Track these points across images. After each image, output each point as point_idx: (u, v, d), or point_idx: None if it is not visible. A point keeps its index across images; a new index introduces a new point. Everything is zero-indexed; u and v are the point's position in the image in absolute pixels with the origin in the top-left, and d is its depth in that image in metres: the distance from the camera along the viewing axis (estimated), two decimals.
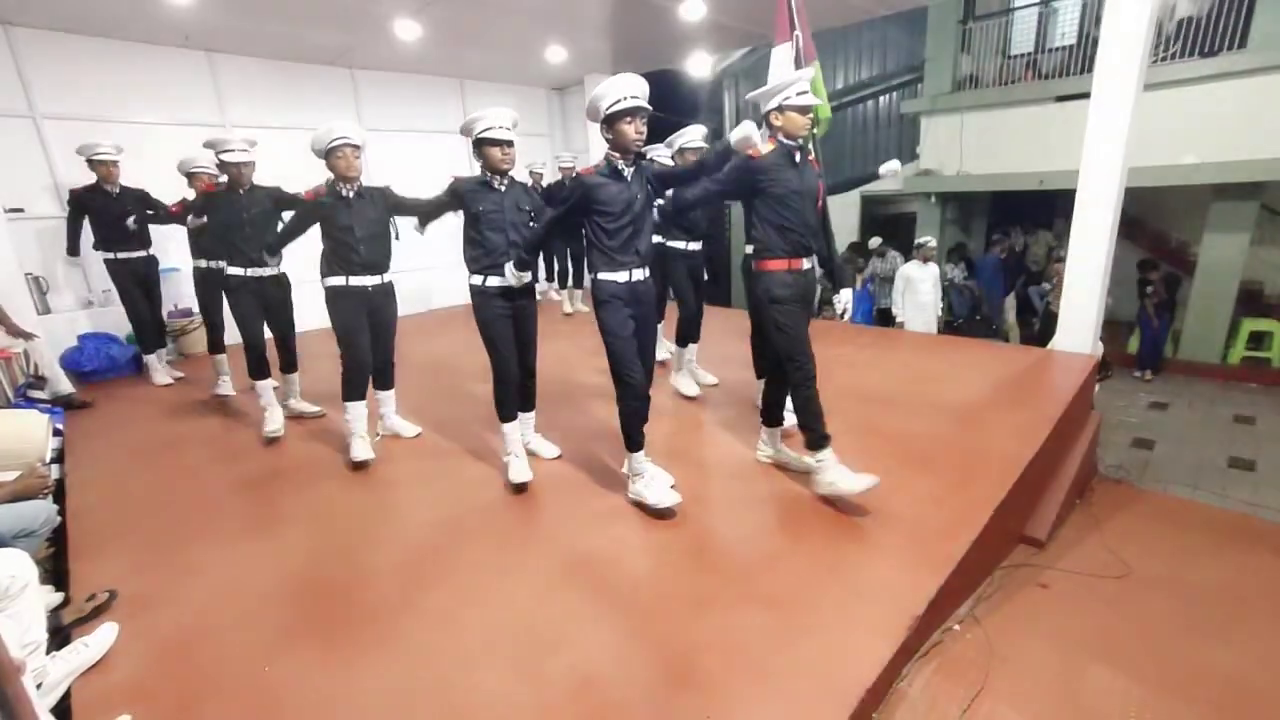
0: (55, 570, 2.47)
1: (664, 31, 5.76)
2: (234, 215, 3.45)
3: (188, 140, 5.46)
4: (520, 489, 2.81)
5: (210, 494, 2.98)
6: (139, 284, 4.53)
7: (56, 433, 3.53)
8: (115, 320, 5.16)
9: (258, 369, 3.60)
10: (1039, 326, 7.64)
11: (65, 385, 4.28)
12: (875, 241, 7.99)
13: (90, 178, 4.35)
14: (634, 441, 2.59)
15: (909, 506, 2.51)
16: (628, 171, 2.46)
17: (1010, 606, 2.38)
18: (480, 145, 2.67)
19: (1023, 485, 2.68)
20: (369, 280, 3.13)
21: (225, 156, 3.43)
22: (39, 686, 1.67)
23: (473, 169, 2.91)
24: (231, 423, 3.89)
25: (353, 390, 3.19)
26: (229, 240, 3.46)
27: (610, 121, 2.36)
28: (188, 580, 2.30)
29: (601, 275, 2.50)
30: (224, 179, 3.55)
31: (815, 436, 2.56)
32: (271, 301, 3.64)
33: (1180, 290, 7.49)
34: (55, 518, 2.28)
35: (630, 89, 2.32)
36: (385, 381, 3.44)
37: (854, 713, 1.62)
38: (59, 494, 2.96)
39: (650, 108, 2.37)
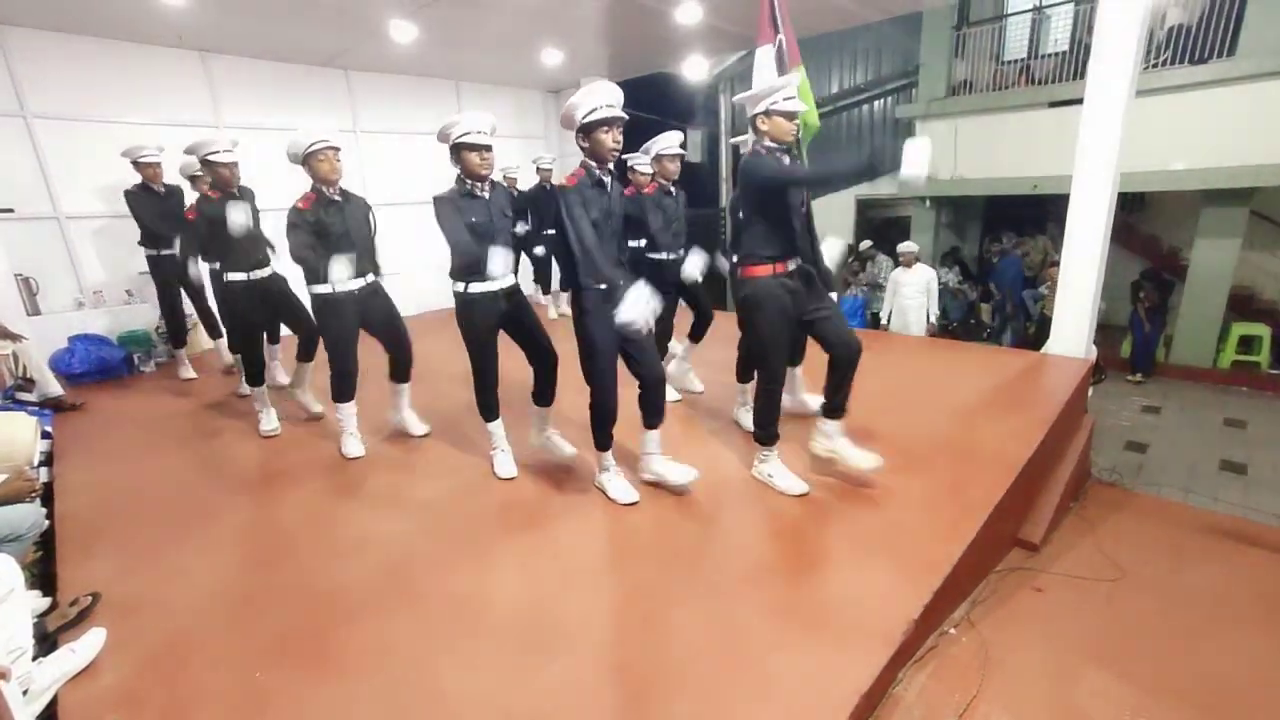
0: (43, 575, 2.44)
1: (660, 35, 5.77)
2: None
3: (181, 141, 5.45)
4: (507, 480, 2.90)
5: (200, 497, 2.95)
6: (179, 280, 4.54)
7: (45, 435, 3.50)
8: (106, 322, 5.13)
9: (254, 374, 3.61)
10: (1033, 331, 7.69)
11: (54, 387, 4.24)
12: (865, 244, 8.02)
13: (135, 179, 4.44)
14: (601, 442, 2.68)
15: (904, 510, 2.51)
16: (608, 181, 2.44)
17: (1005, 610, 2.39)
18: (458, 151, 2.60)
19: (1017, 489, 2.69)
20: (356, 285, 3.11)
21: (214, 158, 3.39)
22: (25, 693, 1.65)
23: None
24: (222, 425, 3.86)
25: (342, 393, 3.22)
26: (229, 245, 3.42)
27: (587, 131, 2.33)
28: (178, 584, 2.28)
29: (585, 285, 2.45)
30: (208, 183, 3.55)
31: (764, 435, 2.73)
32: (273, 300, 3.64)
33: (1172, 295, 7.55)
34: (43, 522, 2.26)
35: (607, 97, 2.30)
36: (403, 374, 3.41)
37: (849, 718, 1.61)
38: (47, 498, 2.93)
39: (626, 116, 2.35)
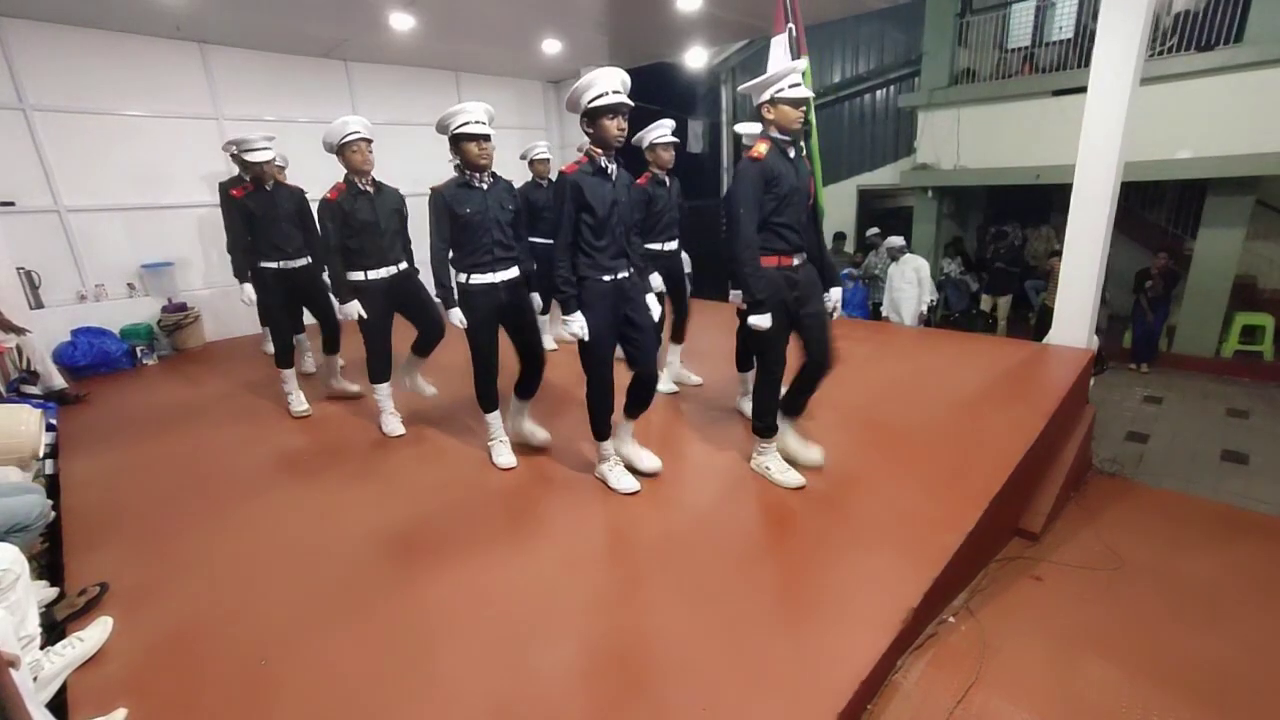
0: (50, 565, 2.46)
1: (660, 23, 5.73)
2: (270, 211, 3.56)
3: (181, 133, 5.44)
4: (506, 470, 2.94)
5: (205, 486, 2.97)
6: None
7: (50, 428, 3.52)
8: (108, 315, 5.14)
9: (283, 357, 3.75)
10: (1034, 321, 7.67)
11: (58, 380, 4.26)
12: (872, 231, 7.99)
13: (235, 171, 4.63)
14: (600, 432, 2.69)
15: (904, 498, 2.52)
16: (611, 168, 2.42)
17: (1004, 599, 2.40)
18: (457, 141, 2.60)
19: (1017, 478, 2.69)
20: (387, 272, 3.22)
21: (250, 156, 3.52)
22: (34, 680, 1.67)
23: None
24: (225, 416, 3.88)
25: (378, 375, 3.37)
26: (263, 236, 3.56)
27: (592, 116, 2.31)
28: (184, 573, 2.30)
29: (588, 276, 2.45)
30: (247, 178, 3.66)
31: (762, 426, 2.71)
32: (303, 291, 3.76)
33: (1177, 285, 7.51)
34: (49, 512, 2.28)
35: (614, 83, 2.27)
36: (426, 350, 3.50)
37: (848, 705, 1.63)
38: (53, 489, 2.95)
39: (632, 104, 2.32)
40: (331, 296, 3.35)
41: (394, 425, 3.40)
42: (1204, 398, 6.35)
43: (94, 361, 4.81)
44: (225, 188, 4.66)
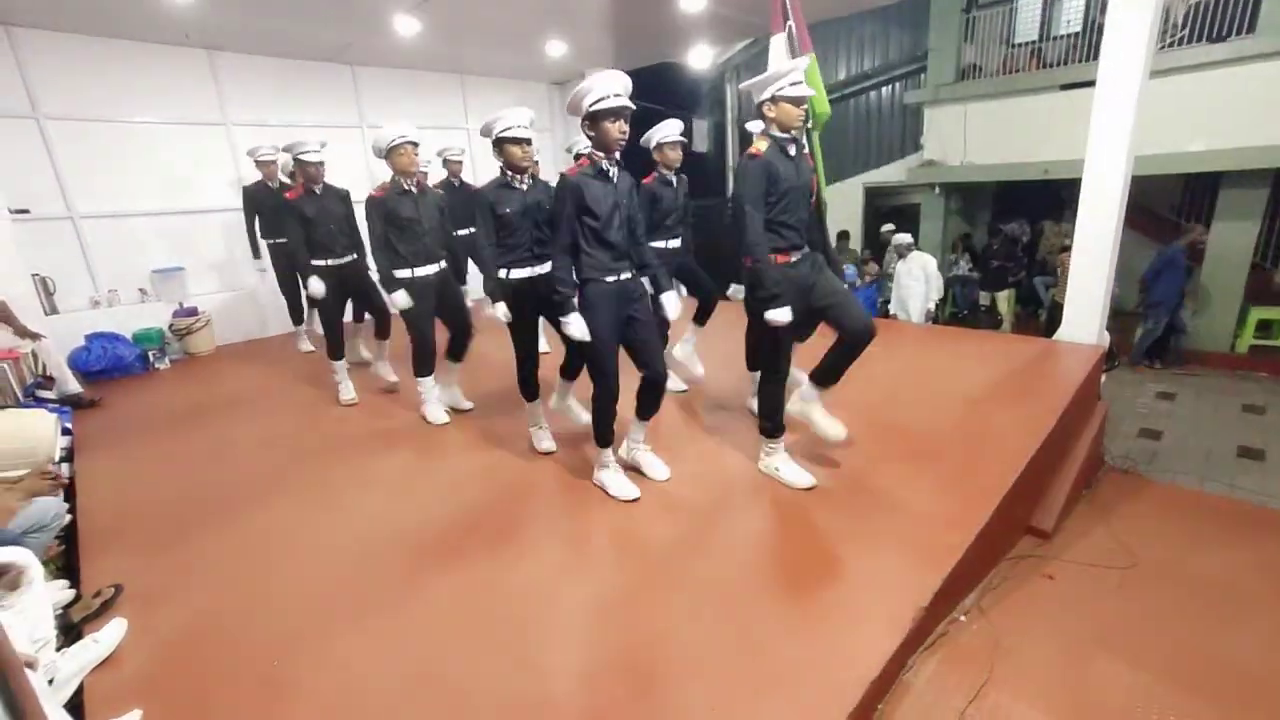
0: (66, 567, 2.49)
1: (664, 23, 5.72)
2: (322, 212, 3.77)
3: (189, 139, 5.49)
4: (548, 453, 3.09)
5: (219, 488, 3.00)
6: (292, 266, 4.84)
7: (66, 432, 3.56)
8: (121, 320, 5.20)
9: (335, 349, 3.96)
10: (1044, 318, 7.60)
11: (73, 385, 4.31)
12: (887, 228, 7.92)
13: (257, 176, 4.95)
14: (603, 439, 2.67)
15: (914, 497, 2.51)
16: (613, 171, 2.42)
17: (1016, 597, 2.38)
18: (501, 144, 2.72)
19: (1028, 476, 2.67)
20: (431, 269, 3.40)
21: (303, 157, 3.75)
22: (50, 682, 1.69)
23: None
24: (238, 419, 3.92)
25: (422, 368, 3.54)
26: (315, 235, 3.75)
27: (593, 119, 2.32)
28: (198, 575, 2.32)
29: (590, 278, 2.46)
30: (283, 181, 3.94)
31: (770, 426, 2.69)
32: (353, 285, 3.96)
33: (1190, 280, 7.41)
34: (65, 515, 2.31)
35: (615, 87, 2.28)
36: (459, 355, 3.68)
37: (859, 704, 1.62)
38: (69, 492, 2.99)
39: (634, 106, 2.34)
40: (380, 288, 3.55)
41: (438, 414, 3.54)
42: (1218, 393, 6.26)
43: (108, 366, 4.86)
44: (249, 192, 4.96)
